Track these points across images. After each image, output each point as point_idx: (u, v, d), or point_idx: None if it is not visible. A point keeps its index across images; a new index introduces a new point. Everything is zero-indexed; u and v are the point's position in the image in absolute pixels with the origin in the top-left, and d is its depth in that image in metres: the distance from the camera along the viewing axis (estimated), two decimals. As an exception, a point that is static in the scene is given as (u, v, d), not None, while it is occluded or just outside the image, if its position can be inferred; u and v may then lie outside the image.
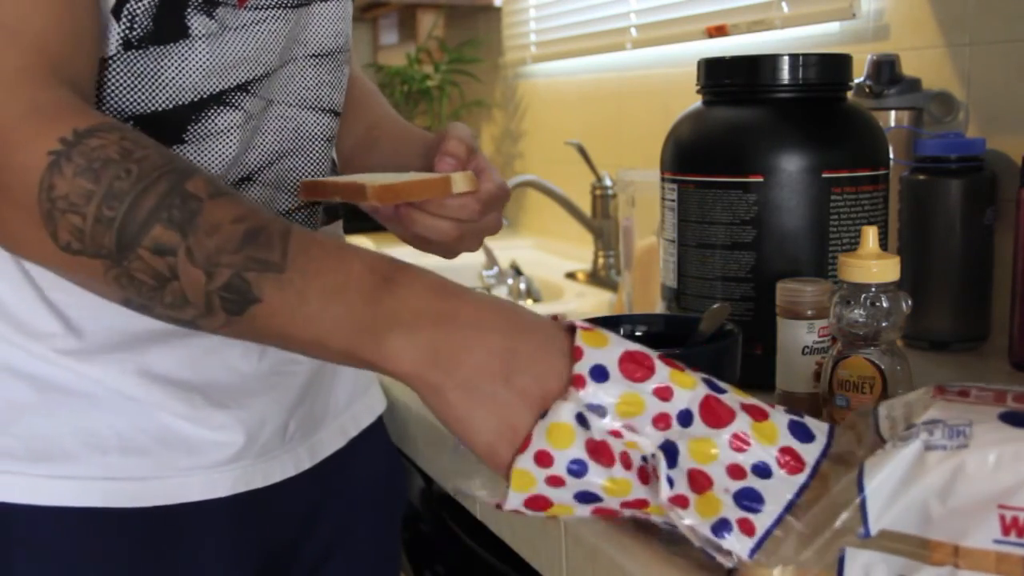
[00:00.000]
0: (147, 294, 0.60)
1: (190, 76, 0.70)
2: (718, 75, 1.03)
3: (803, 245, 0.96)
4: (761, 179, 0.95)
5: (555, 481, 0.61)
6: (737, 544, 0.58)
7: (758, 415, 0.63)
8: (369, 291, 0.59)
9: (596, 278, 1.94)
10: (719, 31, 1.66)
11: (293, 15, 0.75)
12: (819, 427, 0.64)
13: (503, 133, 2.57)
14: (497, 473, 0.60)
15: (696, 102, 1.06)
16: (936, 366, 1.07)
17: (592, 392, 0.60)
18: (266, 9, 0.73)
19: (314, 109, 0.79)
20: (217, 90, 0.71)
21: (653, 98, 1.89)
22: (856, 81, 1.16)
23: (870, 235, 0.80)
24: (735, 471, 0.60)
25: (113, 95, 0.68)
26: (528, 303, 1.93)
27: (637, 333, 0.91)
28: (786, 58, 0.98)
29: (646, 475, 0.61)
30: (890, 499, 0.56)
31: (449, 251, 0.80)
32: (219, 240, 0.58)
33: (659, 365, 0.62)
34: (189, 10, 0.69)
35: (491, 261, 2.00)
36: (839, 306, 0.80)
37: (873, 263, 0.79)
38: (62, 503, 0.71)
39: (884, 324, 0.79)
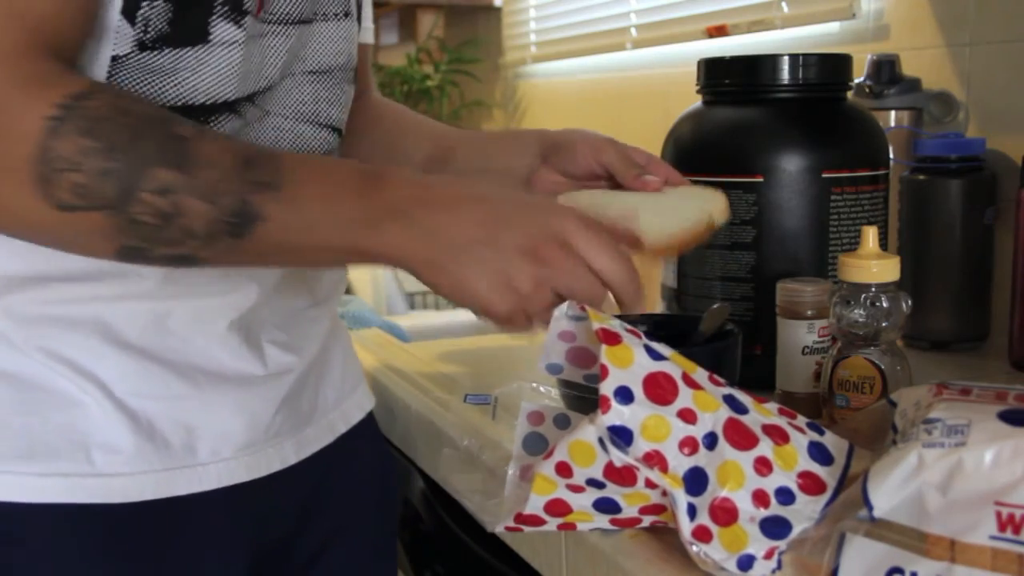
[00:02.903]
0: (149, 235, 0.63)
1: (204, 80, 0.71)
2: (718, 75, 1.03)
3: (803, 245, 0.96)
4: (761, 179, 0.95)
5: (576, 488, 0.61)
6: (760, 569, 0.59)
7: (779, 438, 0.63)
8: (360, 189, 0.66)
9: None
10: (719, 31, 1.66)
11: (295, 31, 0.77)
12: (839, 448, 0.65)
13: (503, 133, 2.56)
14: (493, 323, 0.67)
15: (696, 102, 1.06)
16: (936, 366, 1.07)
17: (617, 414, 0.60)
18: (272, 24, 0.75)
19: (311, 123, 0.80)
20: (233, 98, 0.73)
21: (653, 98, 1.89)
22: (856, 81, 1.16)
23: (870, 235, 0.80)
24: (760, 497, 0.61)
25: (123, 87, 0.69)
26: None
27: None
28: (786, 58, 0.98)
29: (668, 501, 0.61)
30: (891, 491, 0.56)
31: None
32: (218, 171, 0.63)
33: (682, 387, 0.62)
34: (214, 17, 0.70)
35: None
36: (839, 306, 0.80)
37: (873, 263, 0.79)
38: (53, 500, 0.71)
39: (884, 324, 0.79)
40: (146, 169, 0.62)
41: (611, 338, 0.62)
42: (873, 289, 0.79)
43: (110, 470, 0.72)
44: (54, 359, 0.71)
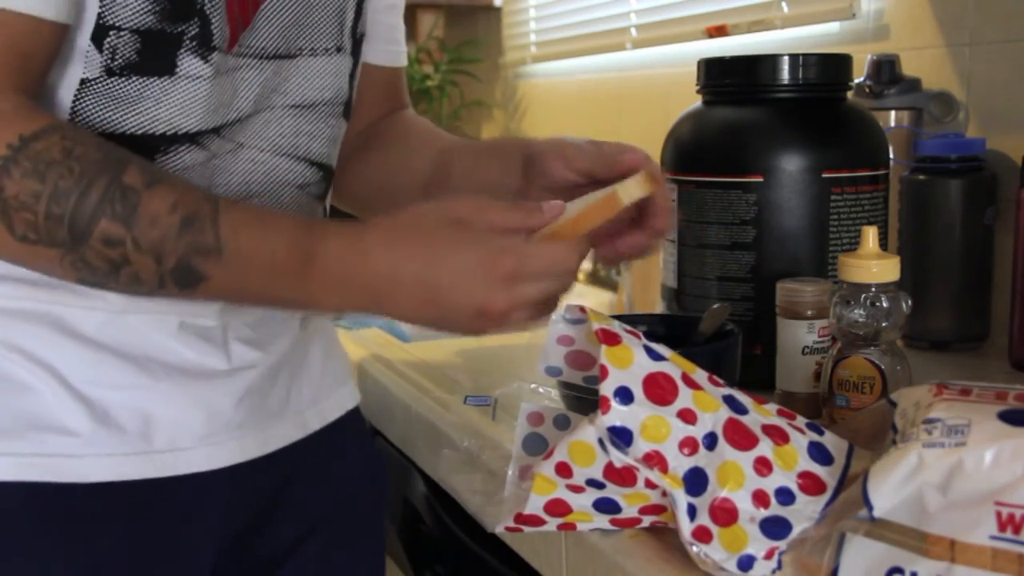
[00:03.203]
0: (102, 276, 0.67)
1: (167, 110, 0.73)
2: (718, 75, 1.03)
3: (803, 245, 0.96)
4: (761, 179, 0.95)
5: (575, 488, 0.61)
6: (760, 569, 0.59)
7: (779, 438, 0.63)
8: (296, 269, 0.68)
9: (596, 278, 1.94)
10: (719, 31, 1.66)
11: (271, 66, 0.78)
12: (839, 448, 0.65)
13: (503, 133, 2.57)
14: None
15: (696, 102, 1.06)
16: (936, 366, 1.07)
17: (616, 415, 0.60)
18: (246, 57, 0.76)
19: (288, 156, 0.82)
20: (195, 130, 0.74)
21: (653, 98, 1.89)
22: (856, 81, 1.16)
23: (870, 235, 0.80)
24: (760, 497, 0.61)
25: (86, 111, 0.71)
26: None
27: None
28: (786, 58, 0.98)
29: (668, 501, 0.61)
30: (891, 491, 0.56)
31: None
32: (160, 231, 0.66)
33: (682, 387, 0.62)
34: (182, 50, 0.72)
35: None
36: (839, 306, 0.80)
37: (873, 263, 0.79)
38: (2, 478, 0.72)
39: (884, 324, 0.79)
40: (94, 219, 0.64)
41: (611, 338, 0.62)
42: (873, 289, 0.79)
43: (62, 452, 0.73)
44: (8, 348, 0.73)
